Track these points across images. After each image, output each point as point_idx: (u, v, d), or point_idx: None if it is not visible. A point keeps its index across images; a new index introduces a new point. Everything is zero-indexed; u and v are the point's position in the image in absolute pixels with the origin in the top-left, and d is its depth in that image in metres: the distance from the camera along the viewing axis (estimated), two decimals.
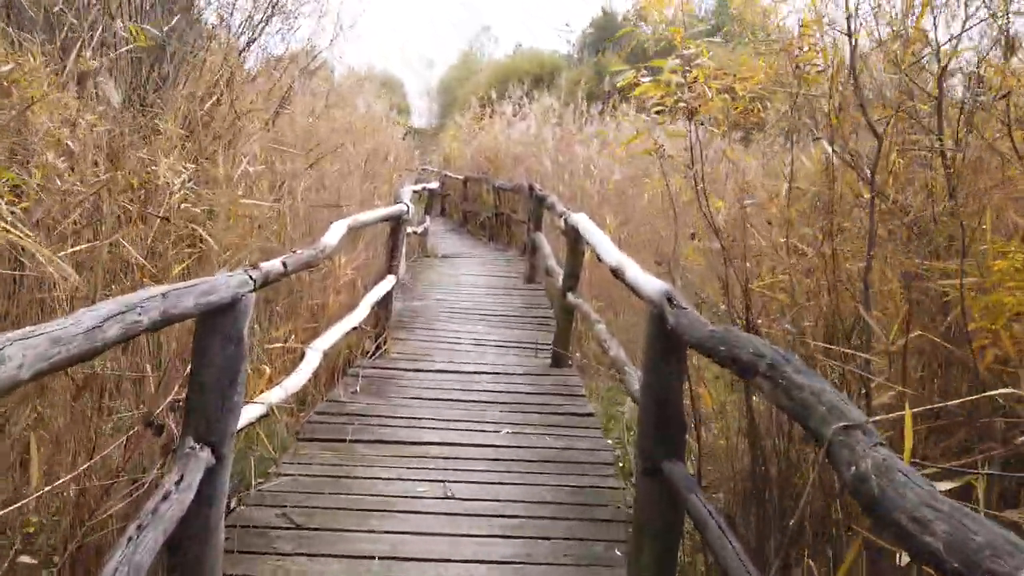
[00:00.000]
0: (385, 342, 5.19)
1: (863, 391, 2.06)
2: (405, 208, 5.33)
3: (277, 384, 2.96)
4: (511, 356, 5.54)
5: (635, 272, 2.65)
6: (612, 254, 3.10)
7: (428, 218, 11.15)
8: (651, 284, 2.39)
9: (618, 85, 2.58)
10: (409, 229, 8.66)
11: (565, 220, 5.18)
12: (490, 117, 15.37)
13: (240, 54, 6.08)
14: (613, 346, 3.98)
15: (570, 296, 5.04)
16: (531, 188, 9.08)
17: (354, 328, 4.06)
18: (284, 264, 2.77)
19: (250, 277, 2.37)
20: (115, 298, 1.80)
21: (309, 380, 4.13)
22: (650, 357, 2.30)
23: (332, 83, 9.74)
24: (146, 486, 2.19)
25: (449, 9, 56.81)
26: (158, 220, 2.81)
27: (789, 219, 2.29)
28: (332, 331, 3.62)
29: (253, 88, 5.92)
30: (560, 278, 5.99)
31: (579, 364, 5.50)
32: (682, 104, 2.26)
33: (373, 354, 5.12)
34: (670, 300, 2.20)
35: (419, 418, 4.13)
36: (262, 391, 2.62)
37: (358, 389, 4.47)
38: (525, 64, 25.90)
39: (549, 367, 5.26)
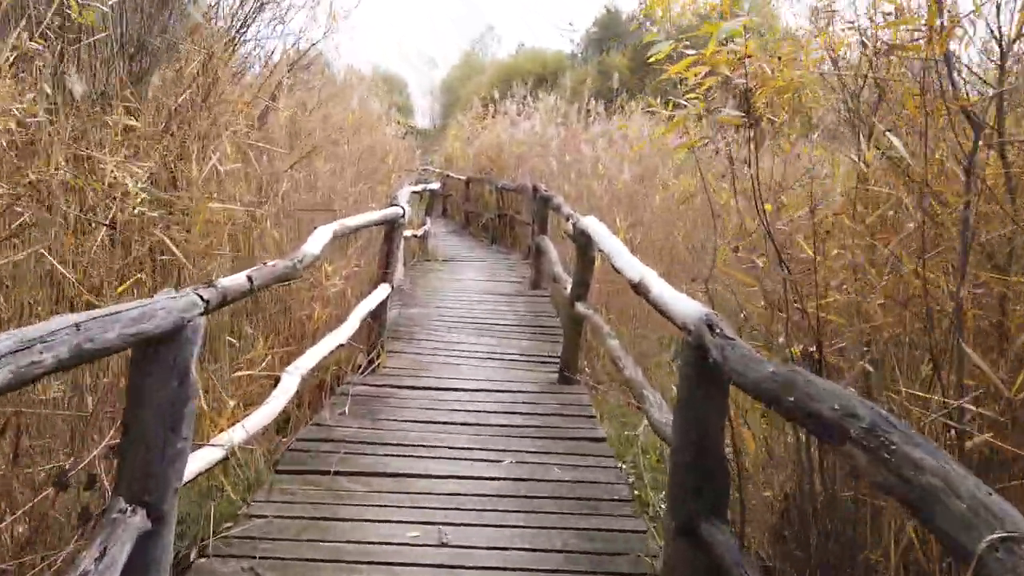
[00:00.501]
0: (378, 356, 4.79)
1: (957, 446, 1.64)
2: (401, 211, 4.92)
3: (247, 415, 2.56)
4: (515, 371, 5.13)
5: (662, 289, 2.24)
6: (632, 266, 2.69)
7: (429, 220, 10.75)
8: (686, 306, 1.98)
9: (651, 59, 2.16)
10: (408, 232, 8.26)
11: (574, 224, 4.77)
12: (492, 116, 14.98)
13: (226, 45, 5.69)
14: (628, 365, 3.57)
15: (579, 306, 4.63)
16: (535, 189, 8.68)
17: (341, 345, 3.65)
18: (250, 279, 2.36)
19: (200, 298, 1.96)
20: (10, 332, 1.40)
21: (291, 402, 3.73)
22: (686, 395, 1.89)
23: (329, 78, 9.37)
24: (55, 566, 1.78)
25: (450, 7, 56.38)
26: (104, 228, 2.41)
27: (868, 227, 1.86)
28: (314, 351, 3.21)
29: (243, 83, 5.54)
30: (568, 286, 5.58)
31: (588, 380, 5.09)
32: (736, 83, 1.84)
33: (365, 369, 4.71)
34: (712, 328, 1.79)
35: (413, 445, 3.72)
36: (222, 429, 2.23)
37: (347, 410, 4.06)
38: (528, 63, 25.49)
39: (556, 383, 4.85)
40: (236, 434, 2.19)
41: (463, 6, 53.69)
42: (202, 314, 1.96)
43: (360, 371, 4.70)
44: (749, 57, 1.84)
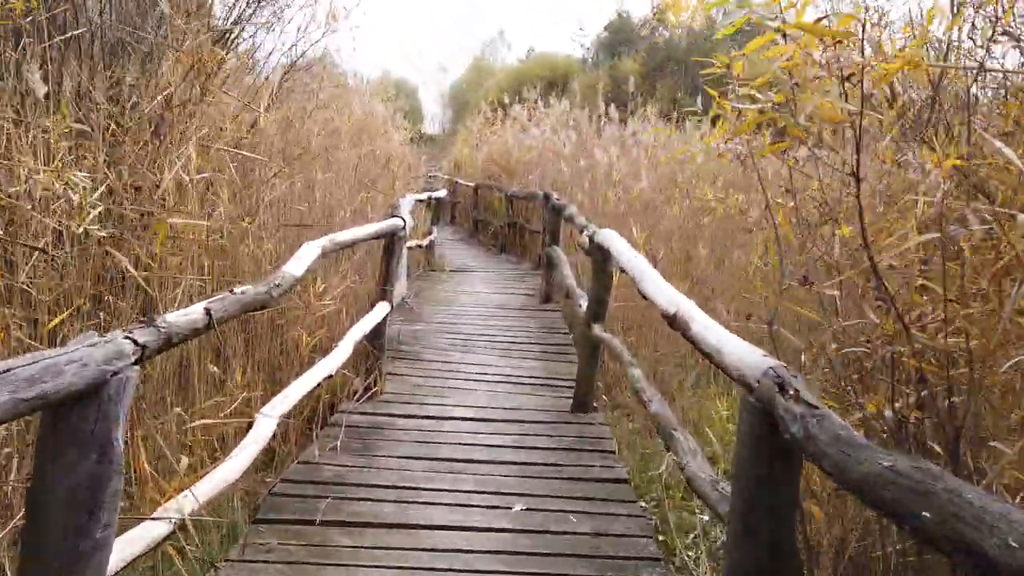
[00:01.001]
0: (376, 383, 4.38)
1: None
2: (401, 223, 4.52)
3: (209, 472, 2.15)
4: (525, 396, 4.71)
5: (708, 326, 1.83)
6: (665, 293, 2.27)
7: (435, 229, 10.36)
8: (744, 354, 1.56)
9: (722, 34, 1.76)
10: (412, 242, 7.87)
11: (590, 237, 4.36)
12: (502, 122, 14.61)
13: (216, 44, 5.33)
14: (654, 398, 3.15)
15: (596, 328, 4.21)
16: (547, 197, 8.27)
17: (329, 376, 3.25)
18: (208, 313, 1.96)
19: (133, 343, 1.57)
20: None
21: (276, 438, 3.35)
22: (750, 474, 1.47)
23: (337, 80, 9.00)
24: None
25: (459, 13, 56.16)
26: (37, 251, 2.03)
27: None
28: (295, 387, 2.81)
29: (242, 85, 5.18)
30: (582, 302, 5.17)
31: (605, 406, 4.67)
32: (840, 65, 1.43)
33: (362, 396, 4.31)
34: (783, 388, 1.37)
35: (412, 487, 3.31)
36: (170, 497, 1.83)
37: (338, 445, 3.66)
38: (538, 68, 25.10)
39: (571, 411, 4.43)
40: (187, 502, 1.80)
41: (473, 12, 53.43)
42: (136, 363, 1.56)
43: (356, 397, 4.30)
44: (849, 35, 1.41)
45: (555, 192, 8.05)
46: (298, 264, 2.83)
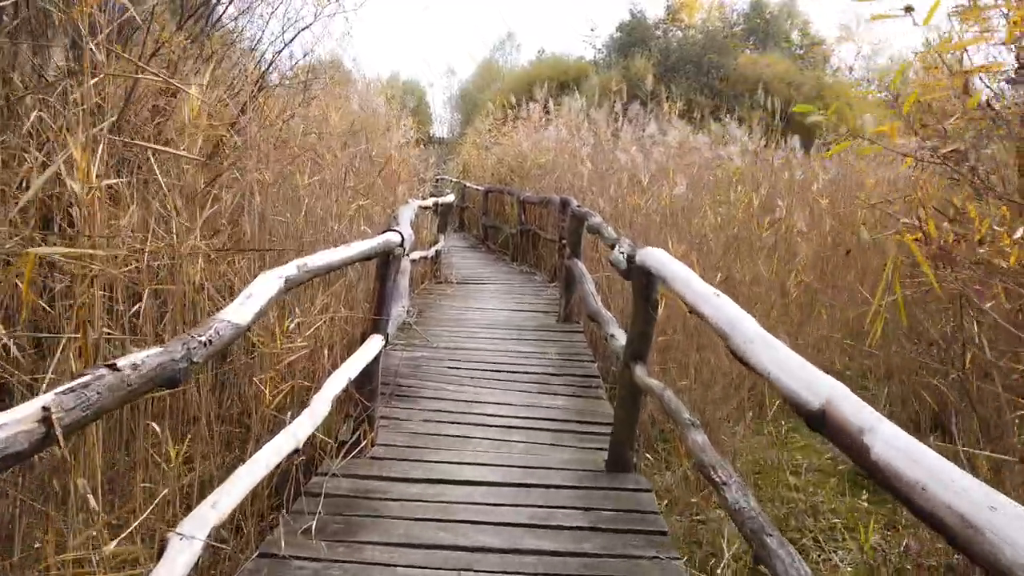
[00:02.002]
0: (365, 435, 3.57)
1: None
2: (398, 239, 3.71)
3: None
4: (549, 447, 3.89)
5: (932, 472, 1.00)
6: (797, 370, 1.44)
7: (443, 237, 9.56)
8: None
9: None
10: (416, 255, 7.08)
11: (628, 257, 3.54)
12: (513, 122, 13.82)
13: (182, 23, 4.54)
14: (732, 484, 2.32)
15: (638, 371, 3.38)
16: (565, 203, 7.46)
17: (296, 451, 2.43)
18: (46, 418, 1.16)
19: None
20: None
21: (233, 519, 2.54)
22: None
23: (343, 77, 8.22)
24: None
25: (469, 15, 55.28)
26: None
27: None
28: (236, 480, 1.98)
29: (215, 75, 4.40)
30: (613, 330, 4.35)
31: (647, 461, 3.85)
32: None
33: (349, 452, 3.50)
34: None
35: None
36: None
37: (313, 527, 2.85)
38: (548, 70, 24.25)
39: (606, 470, 3.60)
40: None
41: (482, 14, 52.55)
42: None
43: (342, 453, 3.49)
44: None
45: (575, 199, 7.23)
46: (245, 307, 2.02)
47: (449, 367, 5.26)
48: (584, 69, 24.42)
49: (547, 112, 13.07)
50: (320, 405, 2.69)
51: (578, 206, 6.70)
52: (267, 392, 2.69)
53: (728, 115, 12.10)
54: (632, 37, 24.02)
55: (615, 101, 11.00)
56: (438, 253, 9.00)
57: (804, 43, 23.86)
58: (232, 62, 5.16)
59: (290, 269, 2.45)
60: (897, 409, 4.90)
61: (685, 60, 21.73)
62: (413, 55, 47.96)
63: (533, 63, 27.35)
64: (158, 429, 2.27)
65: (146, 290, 2.25)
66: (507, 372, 5.20)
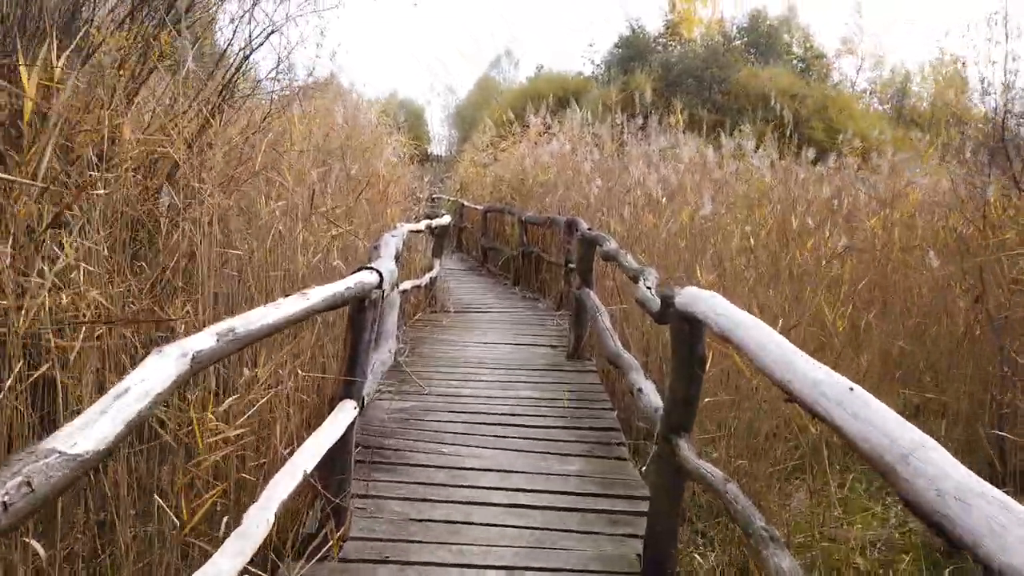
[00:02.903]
0: (336, 529, 2.79)
1: None
2: (375, 279, 2.95)
3: None
4: (565, 534, 3.11)
5: None
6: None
7: (438, 262, 8.82)
8: None
9: None
10: (407, 284, 6.34)
11: (664, 298, 2.79)
12: (512, 137, 13.15)
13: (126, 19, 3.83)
14: None
15: (683, 447, 2.61)
16: (571, 225, 6.75)
17: None
18: None
19: None
20: None
21: None
22: None
23: (336, 92, 7.50)
24: None
25: (467, 33, 54.95)
26: None
27: None
28: None
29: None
30: (640, 382, 3.60)
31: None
32: None
33: (315, 552, 2.73)
34: None
35: None
36: None
37: None
38: (548, 86, 23.66)
39: (640, 570, 2.82)
40: None
41: (480, 31, 52.13)
42: None
43: (306, 553, 2.72)
44: None
45: (585, 222, 6.50)
46: (103, 420, 1.27)
47: (444, 420, 4.49)
48: (584, 84, 23.83)
49: (548, 127, 12.41)
50: (255, 526, 1.92)
51: (588, 229, 5.97)
52: (184, 510, 1.92)
53: (736, 128, 11.46)
54: (632, 51, 23.48)
55: (616, 114, 10.35)
56: (433, 281, 8.26)
57: (807, 56, 23.33)
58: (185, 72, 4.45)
59: (203, 340, 1.70)
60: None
61: (687, 74, 21.19)
62: (405, 56, 47.45)
63: (532, 79, 26.78)
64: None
65: None
66: (512, 427, 4.42)
